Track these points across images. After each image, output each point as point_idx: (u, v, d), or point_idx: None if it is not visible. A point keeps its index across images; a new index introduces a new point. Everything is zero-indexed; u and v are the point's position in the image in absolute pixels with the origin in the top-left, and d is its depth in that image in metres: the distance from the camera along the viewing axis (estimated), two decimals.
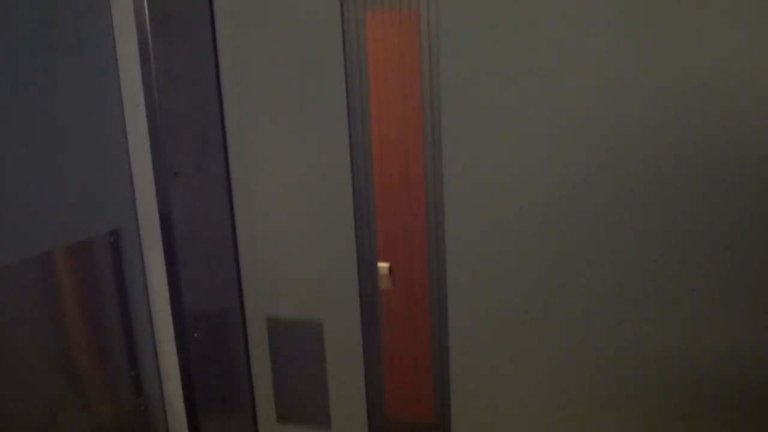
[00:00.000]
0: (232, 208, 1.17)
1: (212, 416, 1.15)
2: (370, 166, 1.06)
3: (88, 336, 0.97)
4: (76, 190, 0.93)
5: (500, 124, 0.96)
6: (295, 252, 1.13)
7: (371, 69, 1.03)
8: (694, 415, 0.97)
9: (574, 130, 0.93)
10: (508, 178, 0.97)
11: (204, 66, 1.08)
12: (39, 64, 0.86)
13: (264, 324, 1.19)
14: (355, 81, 1.05)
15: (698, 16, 0.85)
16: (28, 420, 0.85)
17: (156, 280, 1.06)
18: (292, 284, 1.16)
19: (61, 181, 0.91)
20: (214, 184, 1.13)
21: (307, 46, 1.04)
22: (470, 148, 0.99)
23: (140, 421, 1.07)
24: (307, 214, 1.10)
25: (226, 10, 1.06)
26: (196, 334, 1.09)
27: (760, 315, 0.91)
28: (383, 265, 1.08)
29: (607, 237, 0.95)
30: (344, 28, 1.01)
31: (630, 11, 0.87)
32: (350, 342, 1.14)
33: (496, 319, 1.02)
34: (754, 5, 0.83)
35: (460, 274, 1.02)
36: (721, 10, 0.84)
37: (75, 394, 0.94)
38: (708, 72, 0.87)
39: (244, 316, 1.21)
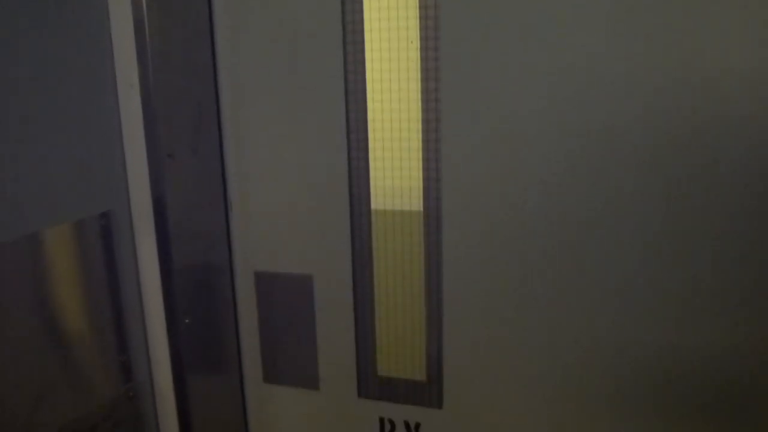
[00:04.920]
0: (225, 190, 1.17)
1: (202, 400, 1.16)
2: (365, 127, 1.06)
3: (76, 320, 0.96)
4: (66, 170, 0.92)
5: (498, 93, 0.97)
6: (285, 204, 1.13)
7: (368, 37, 1.03)
8: (686, 413, 0.99)
9: (570, 110, 0.94)
10: (505, 140, 0.98)
11: (200, 45, 1.08)
12: (29, 42, 0.84)
13: (251, 279, 1.18)
14: (352, 58, 1.04)
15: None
16: (13, 406, 0.85)
17: (147, 264, 1.06)
18: (282, 237, 1.15)
19: (51, 161, 0.90)
20: (208, 165, 1.13)
21: (304, 24, 1.04)
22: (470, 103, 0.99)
23: (129, 407, 1.07)
24: (299, 168, 1.10)
25: None
26: (187, 320, 1.09)
27: (757, 313, 0.93)
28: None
29: (605, 219, 0.96)
30: (343, 3, 1.01)
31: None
32: (341, 298, 1.13)
33: (491, 276, 1.03)
34: None
35: (455, 231, 1.03)
36: None
37: (62, 379, 0.93)
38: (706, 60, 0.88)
39: (233, 282, 1.21)
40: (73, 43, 0.93)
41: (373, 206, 1.10)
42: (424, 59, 1.01)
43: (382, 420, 1.17)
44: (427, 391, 1.13)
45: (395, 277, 1.11)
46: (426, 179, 1.06)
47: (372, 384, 1.17)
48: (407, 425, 1.15)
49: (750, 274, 0.92)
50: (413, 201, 1.07)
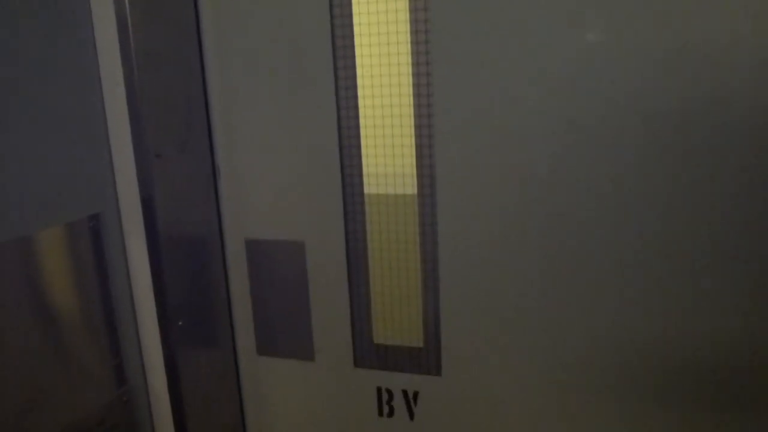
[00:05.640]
0: (216, 189, 1.14)
1: (198, 404, 1.14)
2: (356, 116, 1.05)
3: (67, 324, 0.95)
4: (53, 172, 0.90)
5: (491, 72, 0.96)
6: (275, 170, 1.10)
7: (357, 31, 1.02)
8: (677, 402, 1.00)
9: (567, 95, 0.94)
10: (498, 121, 0.98)
11: (186, 42, 1.06)
12: (11, 42, 0.83)
13: (242, 247, 1.15)
14: (341, 42, 1.03)
15: None
16: (5, 411, 0.83)
17: (138, 266, 1.04)
18: (272, 204, 1.12)
19: (38, 163, 0.88)
20: (198, 165, 1.11)
21: (292, 18, 1.03)
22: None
23: (123, 412, 1.05)
24: (289, 140, 1.08)
25: None
26: (180, 323, 1.07)
27: (756, 306, 0.92)
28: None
29: (606, 203, 0.96)
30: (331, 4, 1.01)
31: None
32: (334, 264, 1.11)
33: (488, 242, 1.01)
34: None
35: (450, 196, 1.01)
36: None
37: (55, 384, 0.92)
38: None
39: (224, 252, 1.18)
40: (56, 44, 0.91)
41: (364, 169, 1.07)
42: (414, 42, 0.99)
43: (379, 389, 1.15)
44: (425, 357, 1.11)
45: (389, 241, 1.08)
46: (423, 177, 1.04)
47: (368, 353, 1.14)
48: (405, 394, 1.13)
49: (749, 269, 0.91)
50: (405, 156, 1.05)
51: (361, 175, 1.08)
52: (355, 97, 1.05)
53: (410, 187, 1.06)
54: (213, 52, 1.09)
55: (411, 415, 1.14)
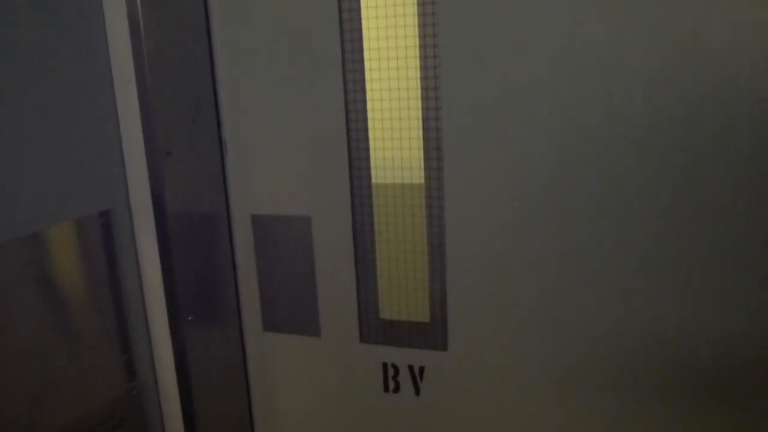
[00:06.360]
0: (225, 185, 1.14)
1: (207, 399, 1.15)
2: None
3: (78, 319, 0.95)
4: (65, 169, 0.91)
5: (499, 62, 0.96)
6: (281, 145, 1.09)
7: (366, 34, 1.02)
8: (678, 400, 1.00)
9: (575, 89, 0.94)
10: (506, 110, 0.98)
11: (196, 39, 1.06)
12: (25, 39, 0.83)
13: (248, 223, 1.15)
14: (350, 36, 1.03)
15: None
16: (16, 405, 0.84)
17: (148, 261, 1.05)
18: (279, 178, 1.11)
19: (50, 160, 0.88)
20: (207, 160, 1.12)
21: (300, 10, 1.03)
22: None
23: (133, 406, 1.06)
24: (296, 121, 1.08)
25: None
26: (190, 318, 1.08)
27: (756, 303, 0.93)
28: None
29: (610, 197, 0.96)
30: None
31: None
32: (340, 239, 1.10)
33: (494, 227, 1.01)
34: None
35: (458, 171, 1.00)
36: None
37: (66, 377, 0.92)
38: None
39: (230, 228, 1.18)
40: (68, 42, 0.91)
41: (371, 141, 1.06)
42: (422, 34, 0.99)
43: (385, 365, 1.15)
44: (431, 332, 1.10)
45: (396, 215, 1.08)
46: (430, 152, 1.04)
47: (374, 328, 1.14)
48: (411, 369, 1.13)
49: (749, 269, 0.91)
50: (412, 130, 1.04)
51: (368, 154, 1.07)
52: (363, 90, 1.06)
53: (417, 160, 1.05)
54: (222, 44, 1.09)
55: (417, 391, 1.14)
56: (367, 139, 1.07)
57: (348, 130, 1.07)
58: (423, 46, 1.00)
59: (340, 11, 1.02)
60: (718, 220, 0.91)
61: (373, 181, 1.08)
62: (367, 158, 1.08)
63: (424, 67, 1.01)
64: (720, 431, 0.99)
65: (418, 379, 1.14)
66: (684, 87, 0.89)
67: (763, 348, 0.94)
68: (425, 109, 1.03)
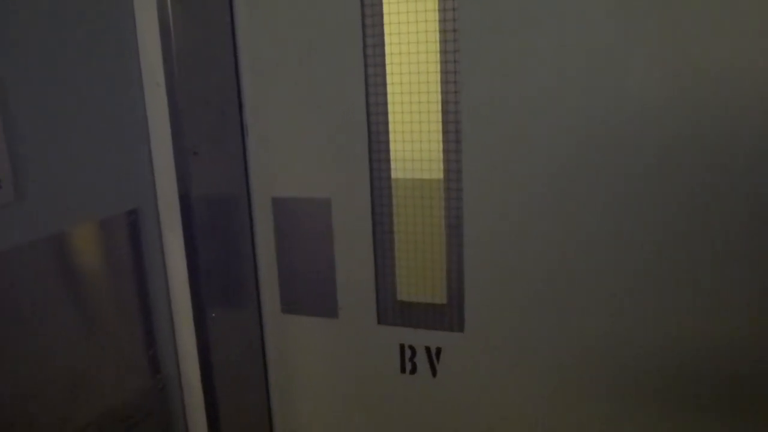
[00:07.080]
0: (246, 169, 1.16)
1: (227, 386, 1.17)
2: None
3: (106, 314, 0.97)
4: (94, 169, 0.93)
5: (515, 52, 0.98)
6: (302, 128, 1.11)
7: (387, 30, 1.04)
8: (678, 402, 1.01)
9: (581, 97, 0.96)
10: (525, 106, 0.99)
11: (222, 41, 1.08)
12: (58, 42, 0.85)
13: (269, 205, 1.16)
14: (371, 32, 1.05)
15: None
16: (46, 400, 0.86)
17: (174, 260, 1.07)
18: (299, 161, 1.12)
19: (80, 160, 0.90)
20: (232, 158, 1.14)
21: (324, 6, 1.05)
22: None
23: (158, 399, 1.09)
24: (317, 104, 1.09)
25: None
26: (213, 314, 1.10)
27: (756, 311, 0.94)
28: None
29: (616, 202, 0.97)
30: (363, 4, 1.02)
31: None
32: (359, 221, 1.11)
33: (512, 203, 1.02)
34: None
35: (476, 154, 1.01)
36: None
37: (95, 371, 0.94)
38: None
39: (251, 210, 1.19)
40: (99, 44, 0.93)
41: (390, 126, 1.08)
42: (443, 31, 1.00)
43: (402, 346, 1.15)
44: (448, 314, 1.11)
45: (414, 198, 1.09)
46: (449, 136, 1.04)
47: (392, 309, 1.14)
48: (428, 350, 1.13)
49: (750, 272, 0.92)
50: (432, 112, 1.05)
51: (387, 128, 1.08)
52: (384, 84, 1.08)
53: (437, 143, 1.06)
54: (245, 34, 1.10)
55: (434, 372, 1.15)
56: (387, 122, 1.09)
57: (368, 114, 1.08)
58: (443, 41, 1.02)
59: (363, 5, 1.04)
60: (720, 225, 0.93)
61: (392, 164, 1.10)
62: (387, 142, 1.09)
63: (444, 62, 1.03)
64: None
65: (435, 360, 1.15)
66: (690, 94, 0.91)
67: (762, 353, 0.96)
68: (445, 102, 1.05)
